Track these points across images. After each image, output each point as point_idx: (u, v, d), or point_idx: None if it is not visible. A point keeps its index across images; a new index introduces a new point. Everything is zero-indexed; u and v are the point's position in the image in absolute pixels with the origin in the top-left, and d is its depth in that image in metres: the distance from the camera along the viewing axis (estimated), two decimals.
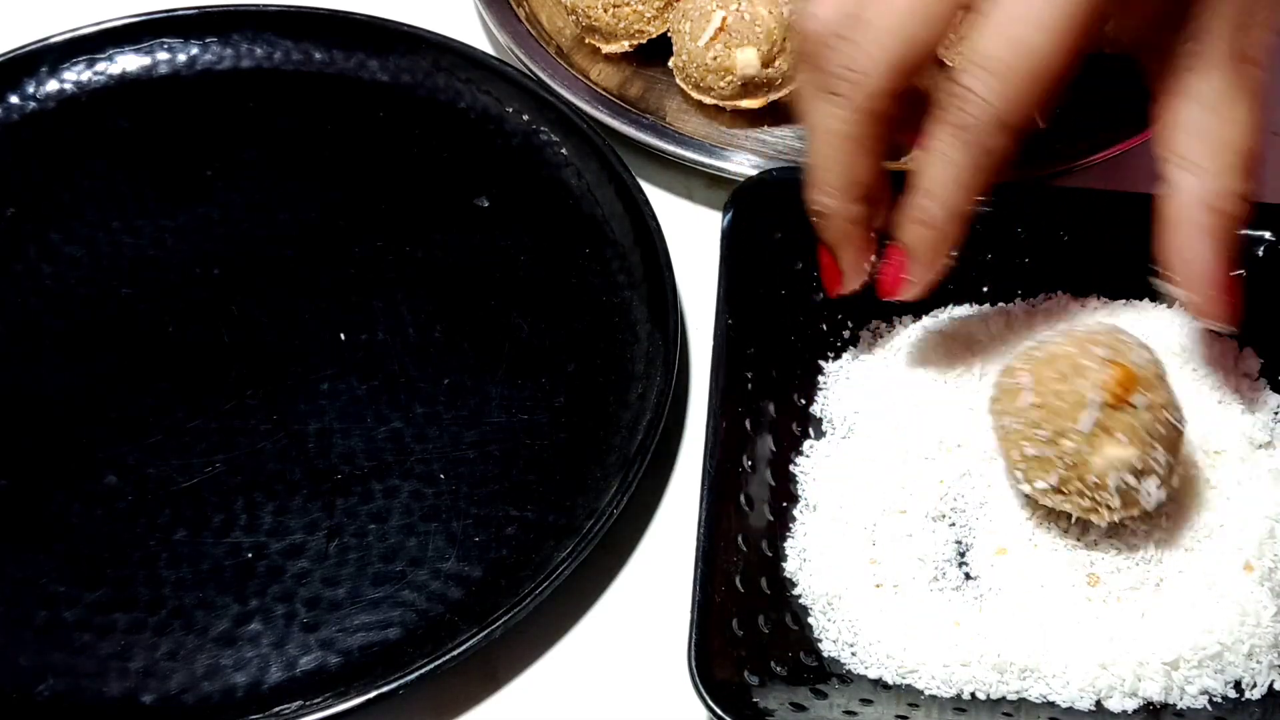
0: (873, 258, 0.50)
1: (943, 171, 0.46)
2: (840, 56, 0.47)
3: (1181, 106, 0.46)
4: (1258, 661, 0.47)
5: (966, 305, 0.56)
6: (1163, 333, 0.54)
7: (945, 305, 0.56)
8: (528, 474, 0.55)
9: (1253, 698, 0.47)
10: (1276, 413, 0.53)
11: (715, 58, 0.62)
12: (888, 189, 0.49)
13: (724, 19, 0.62)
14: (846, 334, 0.56)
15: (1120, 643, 0.46)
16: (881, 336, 0.56)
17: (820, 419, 0.54)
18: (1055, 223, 0.56)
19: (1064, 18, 0.44)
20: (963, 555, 0.50)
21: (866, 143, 0.48)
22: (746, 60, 0.62)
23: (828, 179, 0.49)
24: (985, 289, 0.56)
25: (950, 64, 0.64)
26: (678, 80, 0.66)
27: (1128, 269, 0.56)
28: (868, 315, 0.56)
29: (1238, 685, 0.47)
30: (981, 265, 0.56)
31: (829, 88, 0.47)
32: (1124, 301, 0.55)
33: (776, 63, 0.63)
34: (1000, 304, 0.56)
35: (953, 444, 0.52)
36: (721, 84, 0.63)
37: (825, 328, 0.56)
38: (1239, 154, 0.46)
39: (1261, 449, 0.51)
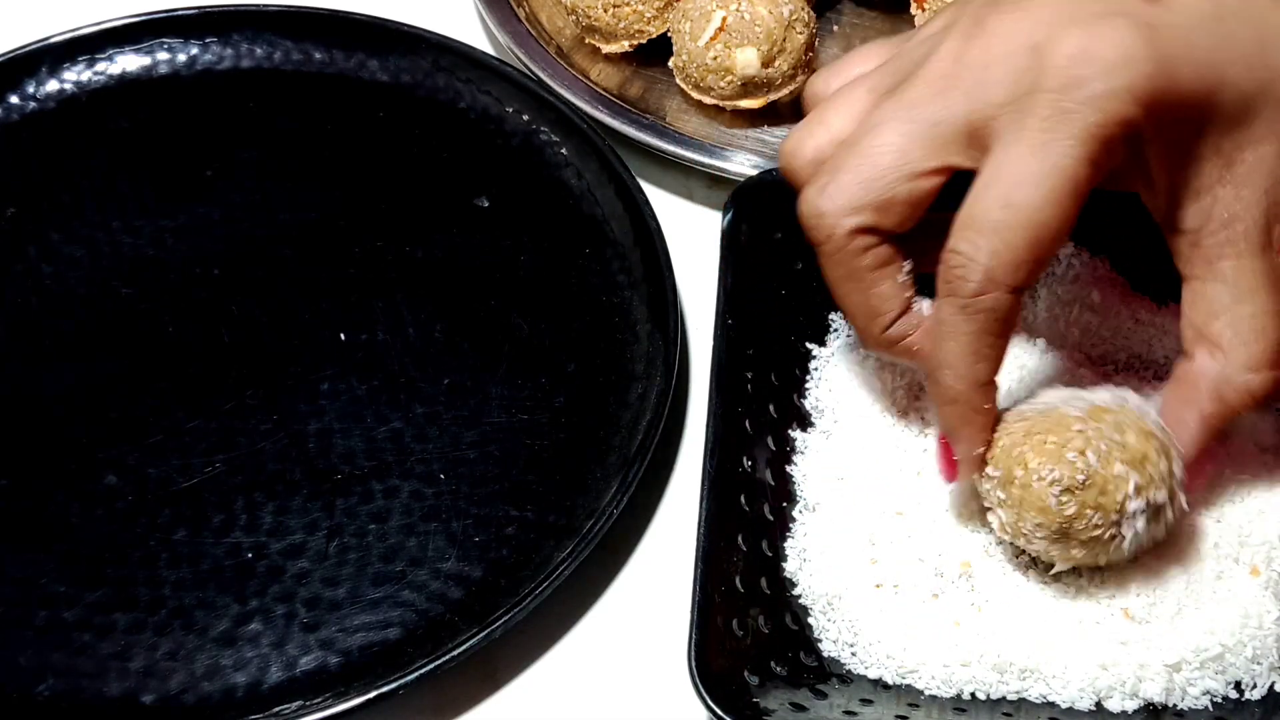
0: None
1: (956, 345, 0.45)
2: (805, 203, 0.46)
3: (1212, 291, 0.46)
4: (1259, 663, 0.47)
5: None
6: (1165, 336, 0.54)
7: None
8: (528, 474, 0.55)
9: (1253, 698, 0.47)
10: (1278, 411, 0.53)
11: (715, 58, 0.62)
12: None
13: (724, 19, 0.62)
14: (849, 335, 0.56)
15: (1122, 644, 0.46)
16: None
17: (810, 411, 0.54)
18: None
19: (1057, 173, 0.42)
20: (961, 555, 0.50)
21: (858, 275, 0.47)
22: (746, 60, 0.62)
23: (852, 320, 0.48)
24: None
25: None
26: (678, 80, 0.66)
27: (1127, 269, 0.56)
28: None
29: (1238, 686, 0.47)
30: None
31: (803, 227, 0.47)
32: (1136, 302, 0.55)
33: (776, 63, 0.63)
34: None
35: None
36: (721, 84, 0.63)
37: (825, 327, 0.56)
38: (1267, 342, 0.46)
39: (1266, 452, 0.51)
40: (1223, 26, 0.43)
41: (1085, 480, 0.44)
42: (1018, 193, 0.43)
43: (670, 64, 0.66)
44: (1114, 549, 0.45)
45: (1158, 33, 0.42)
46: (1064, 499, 0.44)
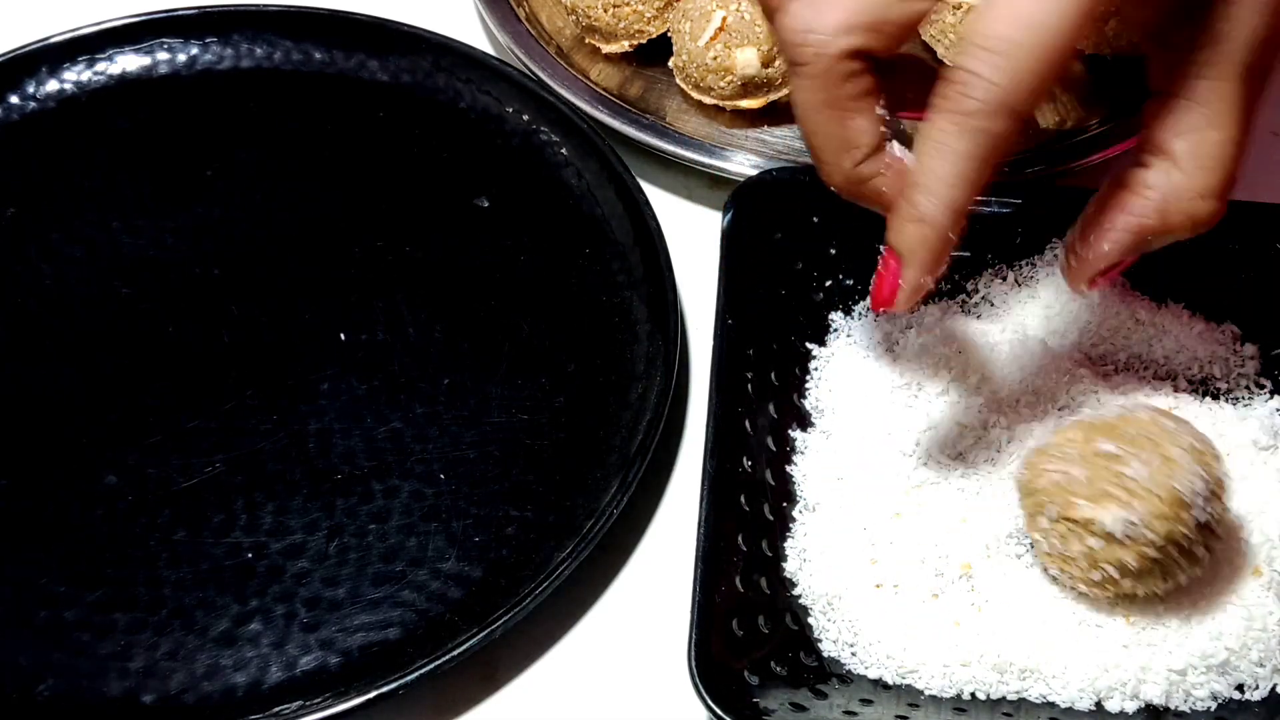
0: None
1: (942, 163, 0.43)
2: (791, 20, 0.44)
3: (1182, 108, 0.45)
4: (1263, 665, 0.47)
5: (960, 303, 0.56)
6: (1165, 335, 0.54)
7: (941, 300, 0.56)
8: (528, 474, 0.55)
9: (1254, 699, 0.47)
10: (1277, 411, 0.53)
11: (715, 58, 0.62)
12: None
13: (724, 19, 0.62)
14: (848, 335, 0.56)
15: (1124, 646, 0.46)
16: (869, 326, 0.55)
17: (810, 411, 0.54)
18: (1055, 222, 0.56)
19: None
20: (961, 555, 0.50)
21: (839, 104, 0.44)
22: (746, 60, 0.62)
23: (817, 151, 0.46)
24: (982, 288, 0.56)
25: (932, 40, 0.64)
26: (678, 80, 0.66)
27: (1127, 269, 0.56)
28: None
29: (1240, 688, 0.47)
30: (978, 264, 0.56)
31: (789, 54, 0.45)
32: (1136, 302, 0.55)
33: (776, 63, 0.63)
34: (994, 302, 0.56)
35: (952, 450, 0.52)
36: (721, 84, 0.63)
37: (825, 327, 0.56)
38: (1225, 172, 0.45)
39: (1265, 451, 0.51)
40: None
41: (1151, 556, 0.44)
42: (1028, 8, 0.41)
43: (670, 64, 0.65)
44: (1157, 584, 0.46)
45: None
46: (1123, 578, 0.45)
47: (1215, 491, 0.44)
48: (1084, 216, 0.47)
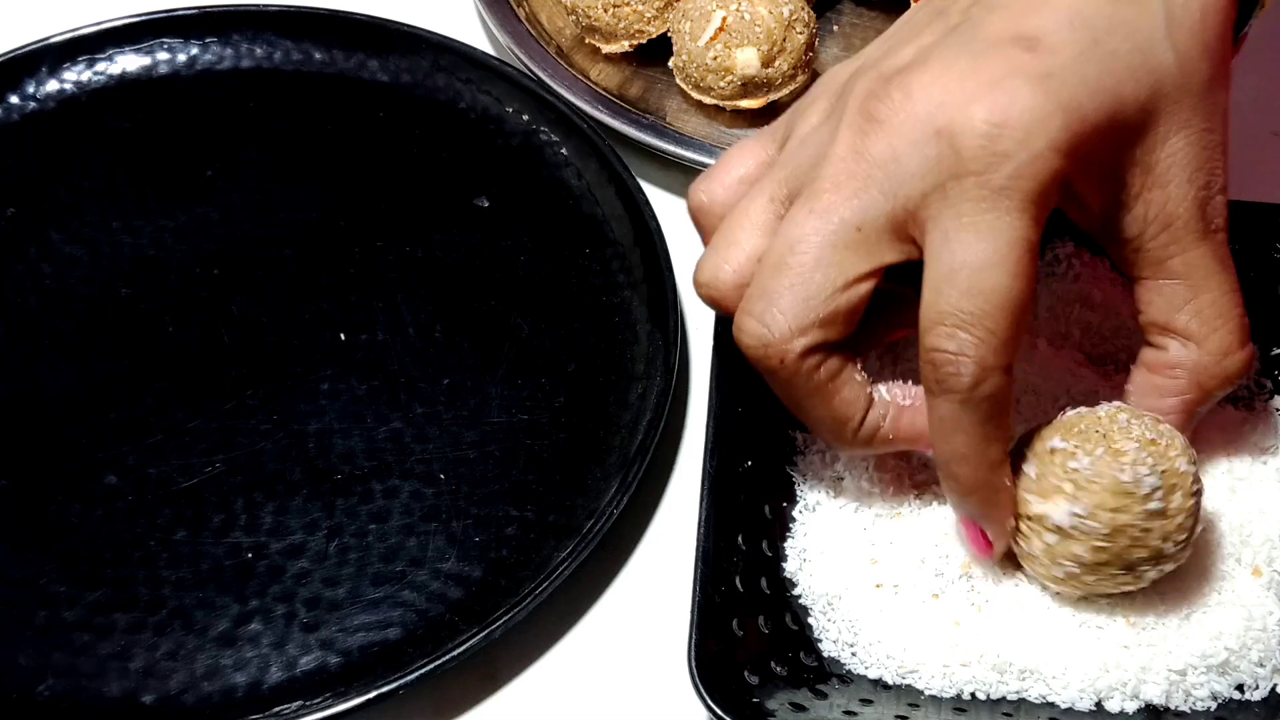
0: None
1: (963, 438, 0.44)
2: (746, 336, 0.45)
3: (1168, 289, 0.46)
4: (1263, 666, 0.47)
5: None
6: None
7: None
8: (528, 474, 0.55)
9: (1254, 699, 0.47)
10: (1278, 411, 0.53)
11: (715, 58, 0.62)
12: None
13: (724, 19, 0.62)
14: None
15: (1124, 647, 0.46)
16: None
17: None
18: (1055, 222, 0.56)
19: (1013, 249, 0.42)
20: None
21: (823, 390, 0.46)
22: (746, 60, 0.62)
23: (814, 429, 0.48)
24: None
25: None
26: (678, 80, 0.66)
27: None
28: None
29: (1240, 688, 0.47)
30: None
31: (751, 361, 0.46)
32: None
33: (776, 63, 0.63)
34: None
35: None
36: (721, 84, 0.63)
37: None
38: (1235, 323, 0.46)
39: (1266, 451, 0.51)
40: (1102, 49, 0.43)
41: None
42: (982, 278, 0.42)
43: (670, 64, 0.66)
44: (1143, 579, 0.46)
45: (1053, 80, 0.42)
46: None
47: (1174, 483, 0.44)
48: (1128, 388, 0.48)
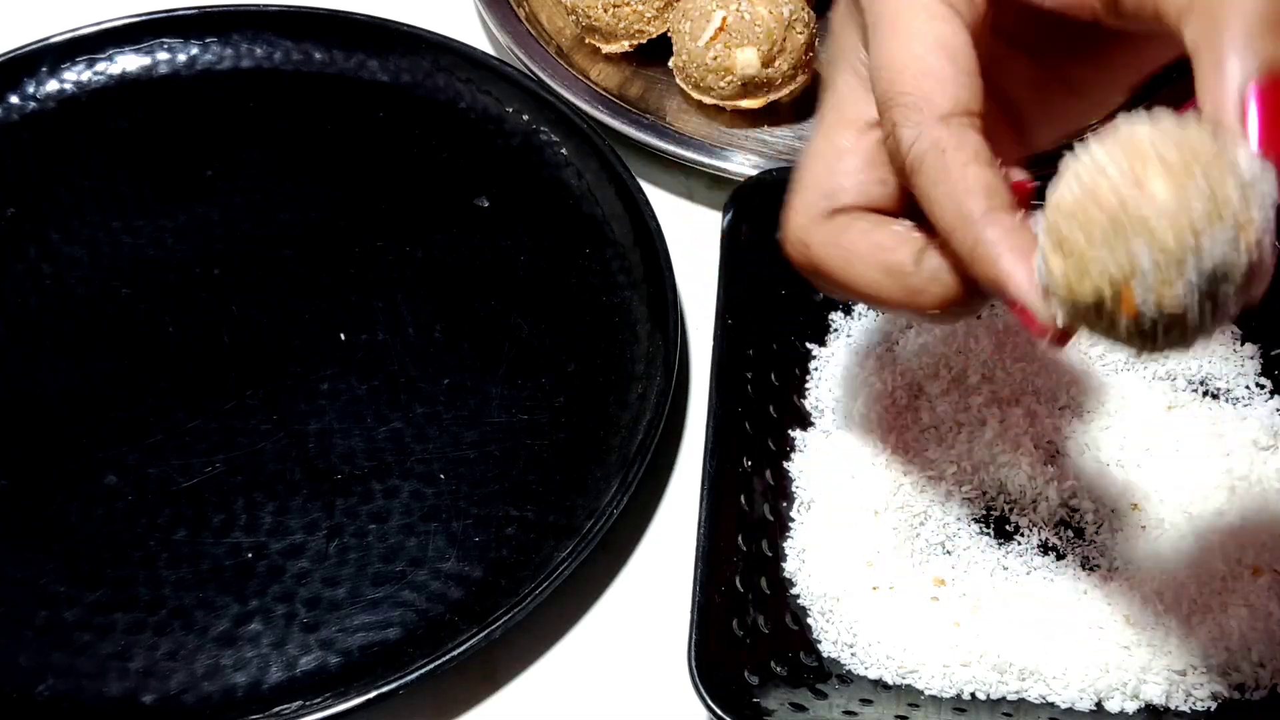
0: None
1: (940, 208, 0.39)
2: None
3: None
4: (1263, 666, 0.47)
5: None
6: None
7: None
8: (528, 474, 0.55)
9: (1254, 699, 0.47)
10: (1278, 411, 0.53)
11: (715, 58, 0.62)
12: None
13: (724, 19, 0.62)
14: (848, 335, 0.56)
15: (1125, 647, 0.46)
16: (869, 326, 0.55)
17: (810, 411, 0.54)
18: None
19: (921, 18, 0.39)
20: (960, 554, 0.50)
21: (827, 249, 0.42)
22: (746, 60, 0.62)
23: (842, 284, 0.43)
24: None
25: None
26: (678, 80, 0.66)
27: None
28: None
29: (1240, 687, 0.47)
30: None
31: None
32: None
33: (776, 63, 0.63)
34: (995, 303, 0.56)
35: (952, 450, 0.52)
36: (721, 84, 0.63)
37: (825, 327, 0.56)
38: None
39: (1265, 451, 0.51)
40: None
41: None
42: (896, 54, 0.40)
43: (670, 64, 0.66)
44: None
45: None
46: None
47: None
48: None
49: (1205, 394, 0.54)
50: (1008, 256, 0.38)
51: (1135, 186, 0.35)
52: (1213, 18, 0.38)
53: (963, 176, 0.39)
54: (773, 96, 0.64)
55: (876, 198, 0.42)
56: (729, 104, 0.65)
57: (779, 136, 0.65)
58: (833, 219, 0.42)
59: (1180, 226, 0.34)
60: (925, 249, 0.40)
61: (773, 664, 0.47)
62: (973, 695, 0.47)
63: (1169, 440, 0.51)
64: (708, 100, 0.65)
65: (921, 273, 0.40)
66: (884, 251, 0.41)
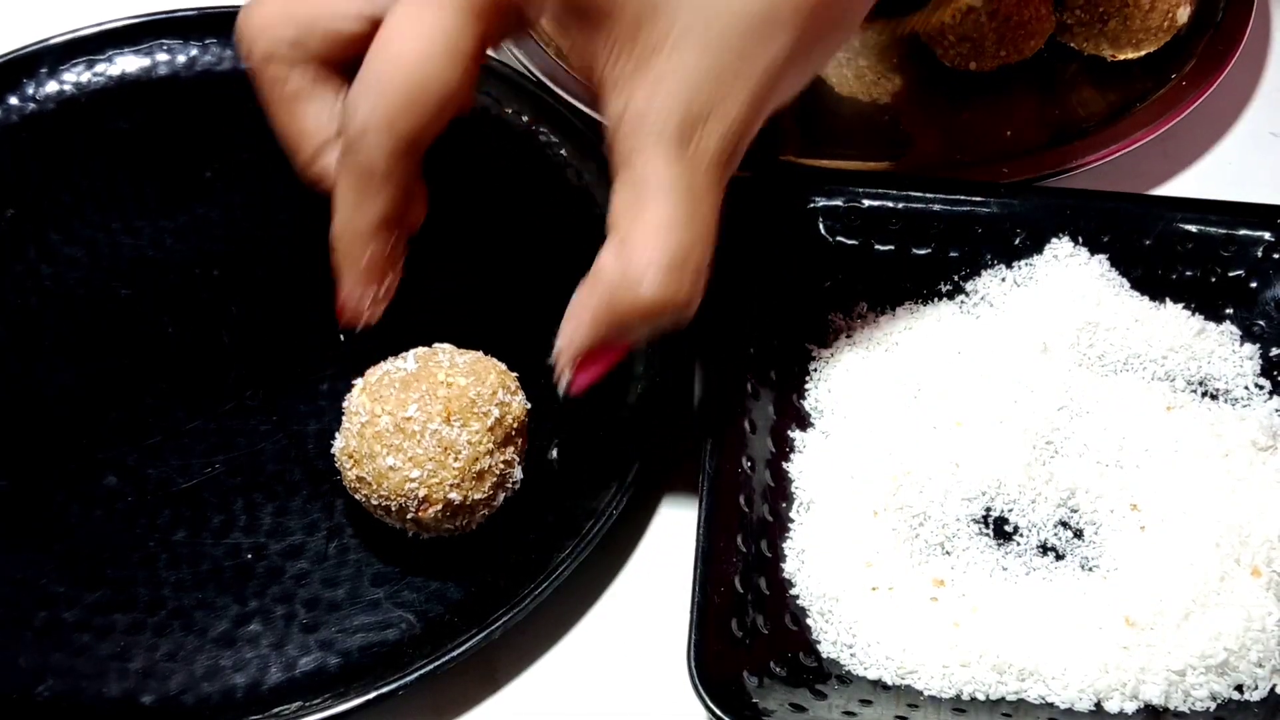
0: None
1: (341, 187, 0.46)
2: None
3: (626, 186, 0.45)
4: (1262, 666, 0.47)
5: (959, 303, 0.56)
6: (1164, 335, 0.54)
7: (941, 300, 0.56)
8: (527, 474, 0.55)
9: (1253, 699, 0.47)
10: (1277, 411, 0.53)
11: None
12: None
13: None
14: (848, 335, 0.56)
15: (1124, 648, 0.46)
16: (869, 326, 0.56)
17: (810, 411, 0.54)
18: (1055, 222, 0.56)
19: (437, 36, 0.43)
20: (960, 554, 0.50)
21: (287, 107, 0.48)
22: None
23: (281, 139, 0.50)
24: (981, 288, 0.56)
25: None
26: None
27: (1127, 269, 0.56)
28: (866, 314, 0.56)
29: (1239, 688, 0.47)
30: (977, 264, 0.57)
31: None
32: (1135, 302, 0.55)
33: None
34: (993, 302, 0.56)
35: (950, 450, 0.52)
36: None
37: (824, 327, 0.56)
38: (670, 252, 0.43)
39: (1265, 451, 0.51)
40: None
41: None
42: (398, 48, 0.44)
43: None
44: None
45: None
46: None
47: None
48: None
49: (1204, 394, 0.54)
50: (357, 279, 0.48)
51: None
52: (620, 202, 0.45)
53: (368, 208, 0.47)
54: None
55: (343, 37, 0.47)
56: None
57: None
58: (271, 65, 0.47)
59: None
60: (322, 150, 0.48)
61: (772, 664, 0.47)
62: (972, 696, 0.47)
63: (1168, 440, 0.51)
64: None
65: (313, 167, 0.49)
66: (299, 126, 0.48)
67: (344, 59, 0.47)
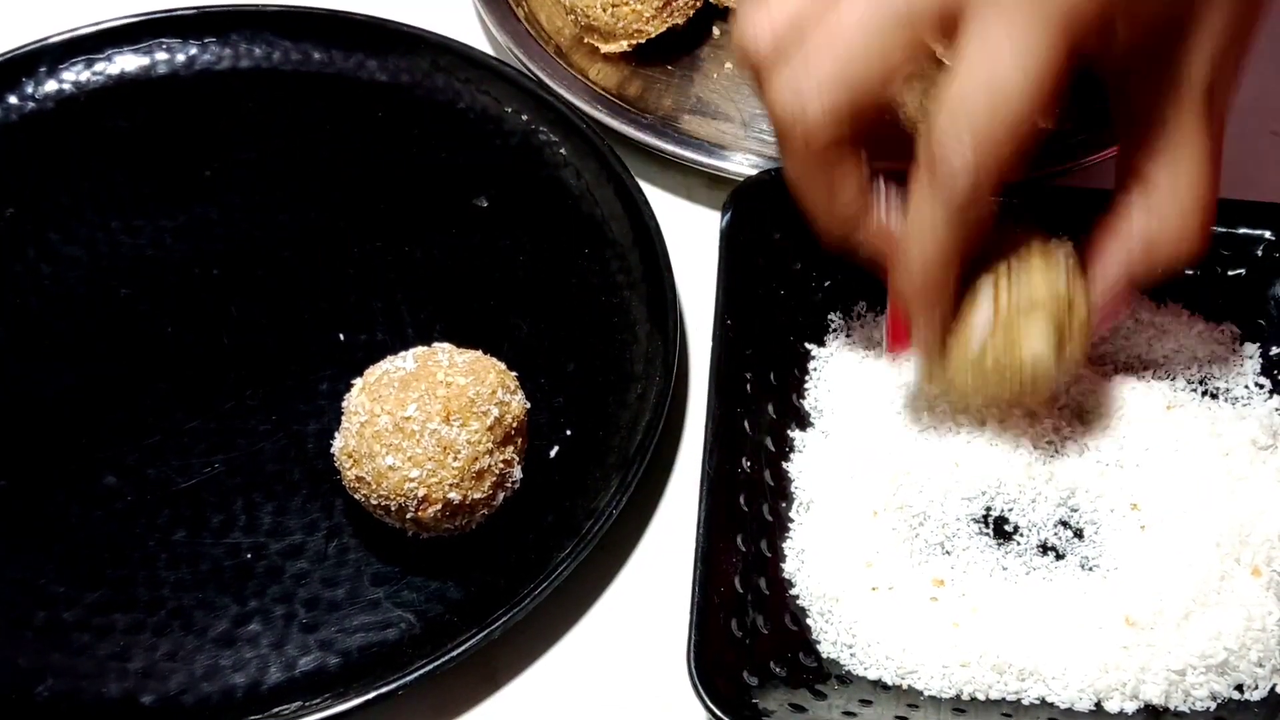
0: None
1: (923, 231, 0.45)
2: (783, 104, 0.45)
3: (1157, 141, 0.46)
4: (1262, 666, 0.47)
5: None
6: (1164, 335, 0.54)
7: None
8: (527, 474, 0.55)
9: (1253, 699, 0.47)
10: (1277, 410, 0.53)
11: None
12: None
13: None
14: (848, 335, 0.56)
15: (1124, 647, 0.46)
16: (869, 326, 0.56)
17: (809, 411, 0.54)
18: (1055, 222, 0.56)
19: (1040, 70, 0.42)
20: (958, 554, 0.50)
21: (831, 172, 0.46)
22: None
23: (811, 211, 0.48)
24: None
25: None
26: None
27: None
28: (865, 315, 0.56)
29: (1240, 688, 0.47)
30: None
31: (778, 129, 0.46)
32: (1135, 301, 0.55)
33: None
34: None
35: (950, 450, 0.52)
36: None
37: (824, 327, 0.56)
38: (1206, 200, 0.46)
39: (1265, 451, 0.51)
40: None
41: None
42: (1004, 91, 0.42)
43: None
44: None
45: None
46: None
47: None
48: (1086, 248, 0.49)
49: (1204, 394, 0.54)
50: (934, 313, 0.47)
51: None
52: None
53: (960, 238, 0.45)
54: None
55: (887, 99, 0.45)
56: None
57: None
58: (834, 146, 0.45)
59: None
60: (865, 213, 0.47)
61: (772, 664, 0.47)
62: (972, 696, 0.47)
63: (1168, 440, 0.51)
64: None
65: (852, 233, 0.47)
66: (841, 203, 0.46)
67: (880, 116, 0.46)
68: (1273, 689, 0.47)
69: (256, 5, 0.69)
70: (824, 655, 0.48)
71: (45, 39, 0.67)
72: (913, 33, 0.43)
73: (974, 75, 0.43)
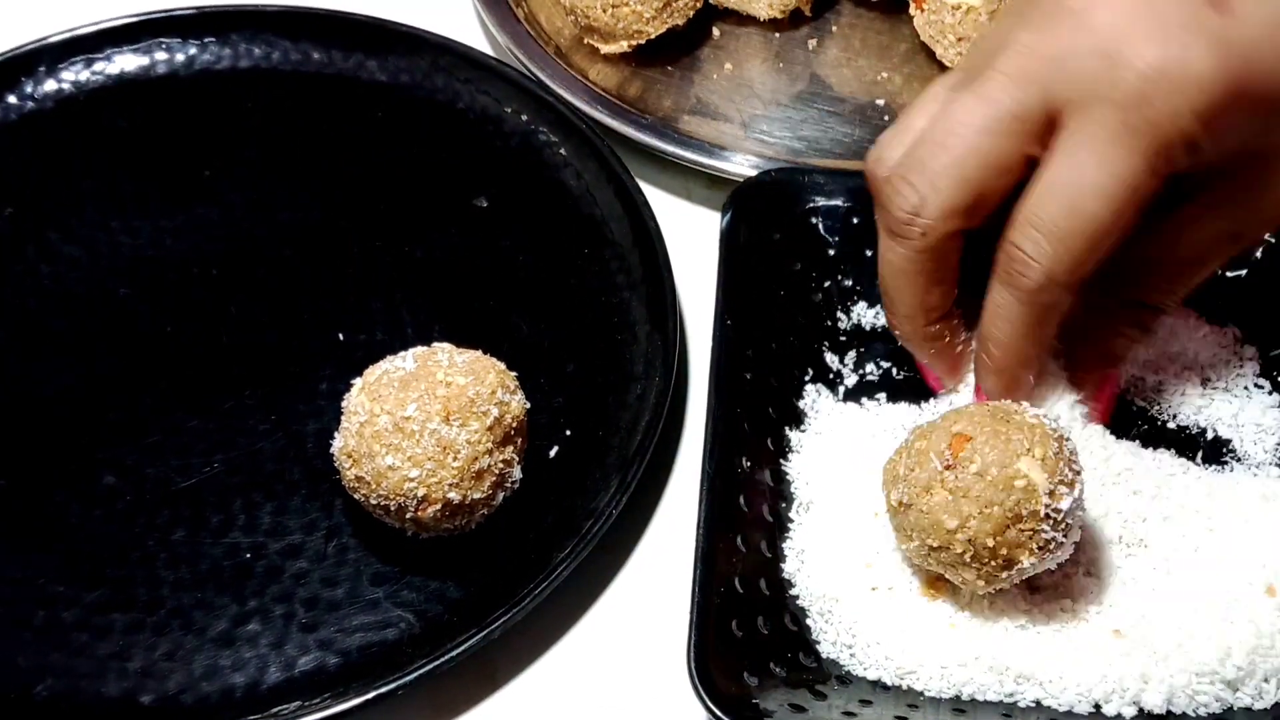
0: (961, 357, 0.52)
1: (1004, 326, 0.47)
2: (900, 200, 0.47)
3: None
4: (1268, 681, 0.46)
5: None
6: (1164, 335, 0.54)
7: None
8: (527, 474, 0.55)
9: (1256, 707, 0.46)
10: (1277, 409, 0.53)
11: None
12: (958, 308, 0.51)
13: None
14: (845, 337, 0.56)
15: (1125, 654, 0.46)
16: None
17: (808, 412, 0.54)
18: None
19: (1121, 187, 0.44)
20: None
21: (931, 275, 0.49)
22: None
23: (897, 308, 0.50)
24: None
25: None
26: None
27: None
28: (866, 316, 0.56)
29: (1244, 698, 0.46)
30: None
31: (892, 227, 0.48)
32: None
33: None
34: None
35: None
36: None
37: (824, 327, 0.56)
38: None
39: (1277, 466, 0.51)
40: None
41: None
42: (1082, 201, 0.44)
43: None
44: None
45: (1230, 50, 0.43)
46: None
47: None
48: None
49: (1205, 394, 0.54)
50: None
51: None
52: None
53: (1038, 333, 0.48)
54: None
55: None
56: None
57: (778, 137, 0.65)
58: (950, 240, 0.48)
59: None
60: (949, 315, 0.50)
61: (772, 665, 0.47)
62: (972, 696, 0.47)
63: (1178, 462, 0.51)
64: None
65: (931, 329, 0.50)
66: (932, 296, 0.49)
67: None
68: (1277, 701, 0.46)
69: (256, 5, 0.69)
70: (824, 655, 0.48)
71: (45, 39, 0.67)
72: (1021, 131, 0.45)
73: (1055, 182, 0.45)
